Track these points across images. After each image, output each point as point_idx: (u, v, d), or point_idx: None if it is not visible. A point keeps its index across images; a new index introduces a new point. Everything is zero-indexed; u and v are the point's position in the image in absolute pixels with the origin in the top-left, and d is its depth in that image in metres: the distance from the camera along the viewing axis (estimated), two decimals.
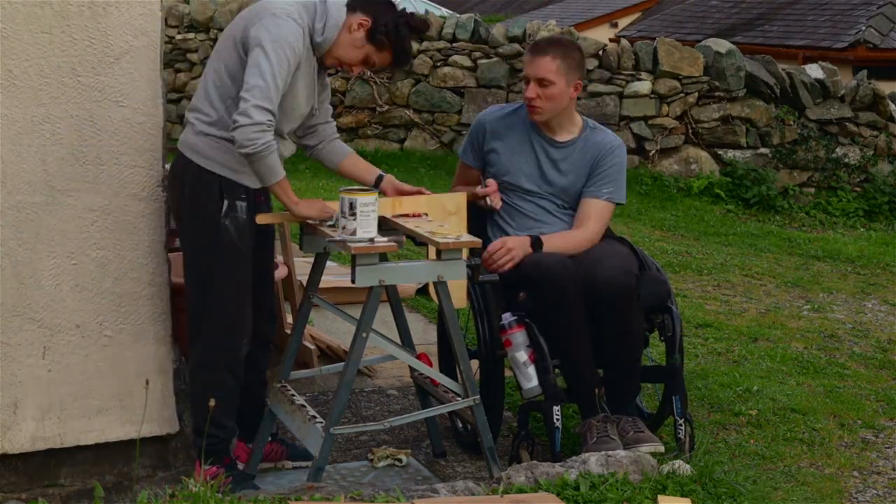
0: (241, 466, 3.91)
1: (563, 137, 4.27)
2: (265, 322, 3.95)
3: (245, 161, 3.56)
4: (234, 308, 3.71)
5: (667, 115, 10.79)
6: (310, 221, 3.72)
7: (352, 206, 3.52)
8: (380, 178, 3.95)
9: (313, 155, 3.97)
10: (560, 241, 4.14)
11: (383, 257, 3.67)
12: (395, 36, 3.67)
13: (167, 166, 3.86)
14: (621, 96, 10.78)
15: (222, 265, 3.66)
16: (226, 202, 3.62)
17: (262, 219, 3.73)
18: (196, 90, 3.74)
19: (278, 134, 3.63)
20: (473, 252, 3.93)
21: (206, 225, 3.63)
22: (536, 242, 4.08)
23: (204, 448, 3.67)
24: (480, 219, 4.47)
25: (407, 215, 3.87)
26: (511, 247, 4.04)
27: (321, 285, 4.03)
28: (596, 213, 4.22)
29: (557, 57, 4.15)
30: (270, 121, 3.47)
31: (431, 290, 3.89)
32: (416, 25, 3.72)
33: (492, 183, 4.24)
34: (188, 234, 3.72)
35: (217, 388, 3.69)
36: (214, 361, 3.74)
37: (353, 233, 3.53)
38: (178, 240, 3.84)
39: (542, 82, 4.15)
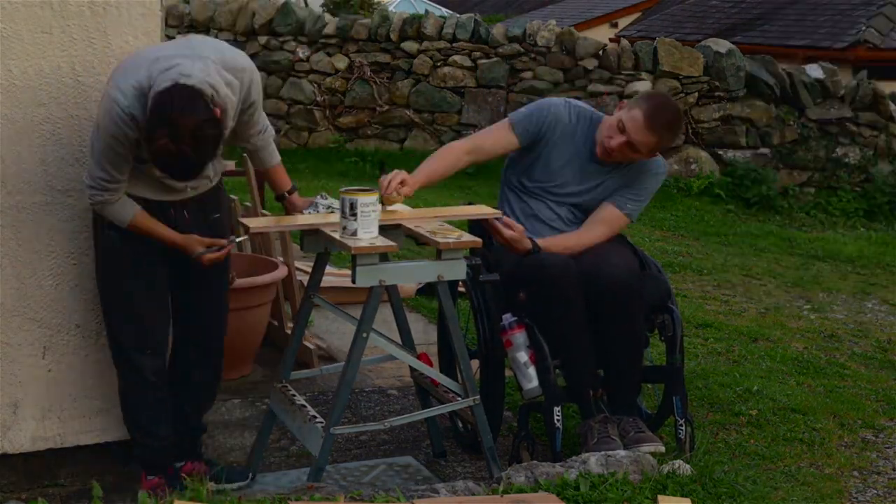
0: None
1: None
2: (199, 335, 3.82)
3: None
4: (130, 320, 3.62)
5: None
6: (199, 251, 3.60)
7: (352, 207, 3.52)
8: (283, 195, 3.88)
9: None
10: (560, 243, 4.12)
11: (383, 257, 3.67)
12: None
13: None
14: (621, 96, 10.79)
15: (111, 278, 3.62)
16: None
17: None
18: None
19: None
20: (474, 252, 3.93)
21: (98, 236, 3.60)
22: (534, 247, 4.05)
23: (139, 458, 3.73)
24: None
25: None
26: (520, 236, 4.03)
27: (321, 285, 4.02)
28: (611, 221, 4.20)
29: (662, 141, 4.10)
30: (100, 186, 3.39)
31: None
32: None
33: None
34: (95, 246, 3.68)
35: (134, 397, 3.72)
36: (124, 372, 3.71)
37: (354, 233, 3.53)
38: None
39: (633, 146, 4.08)
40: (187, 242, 3.57)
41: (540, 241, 4.08)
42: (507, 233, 4.01)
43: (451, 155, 4.23)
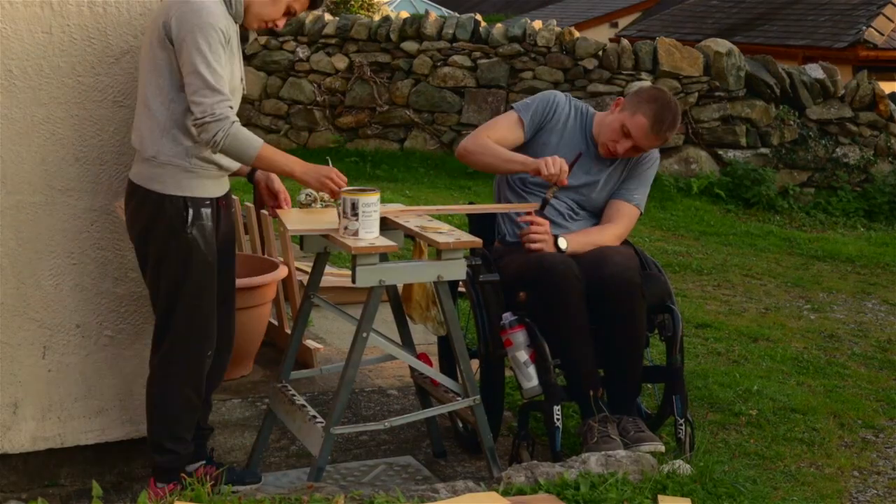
0: None
1: None
2: (224, 341, 3.76)
3: (209, 167, 3.49)
4: (200, 319, 3.58)
5: None
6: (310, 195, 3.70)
7: (354, 207, 3.52)
8: (253, 171, 3.79)
9: None
10: (583, 239, 4.14)
11: (383, 257, 3.67)
12: None
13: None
14: (621, 96, 10.77)
15: (190, 276, 3.51)
16: (191, 212, 3.47)
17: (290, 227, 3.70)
18: (137, 121, 3.49)
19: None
20: (474, 252, 3.92)
21: (172, 237, 3.48)
22: (558, 246, 4.07)
23: (158, 465, 3.60)
24: (488, 216, 4.45)
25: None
26: (546, 235, 4.04)
27: (321, 285, 4.03)
28: (624, 216, 4.26)
29: (666, 140, 4.23)
30: (226, 107, 3.33)
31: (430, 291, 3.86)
32: None
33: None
34: (152, 247, 3.52)
35: (179, 402, 3.60)
36: (177, 374, 3.58)
37: (356, 233, 3.53)
38: (139, 259, 3.64)
39: (637, 149, 4.19)
40: (314, 170, 3.58)
41: (567, 238, 4.10)
42: (535, 246, 4.02)
43: (492, 145, 4.20)
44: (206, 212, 3.52)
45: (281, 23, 3.57)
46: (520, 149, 4.24)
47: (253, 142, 3.41)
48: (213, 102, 3.31)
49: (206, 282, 3.56)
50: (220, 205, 3.63)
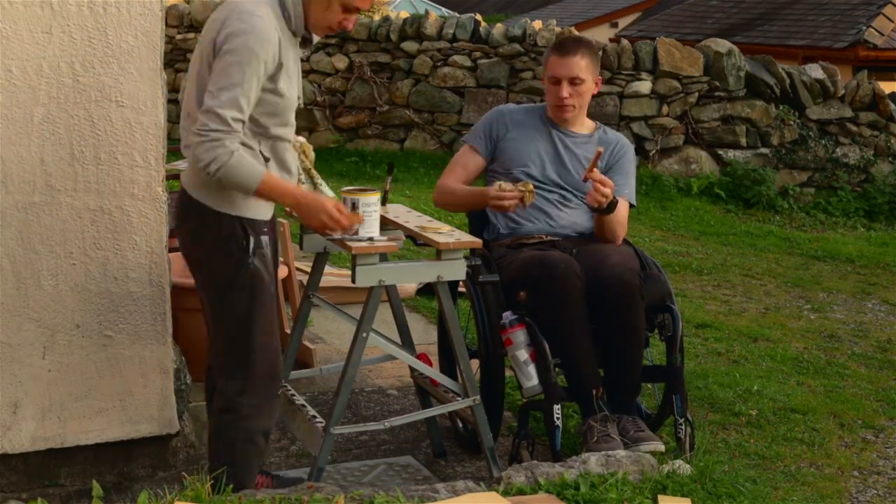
0: None
1: (579, 130, 4.38)
2: None
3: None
4: (272, 354, 3.41)
5: (667, 115, 10.79)
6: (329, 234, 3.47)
7: (354, 207, 3.52)
8: None
9: None
10: (622, 220, 4.23)
11: (383, 257, 3.67)
12: None
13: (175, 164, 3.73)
14: (621, 96, 10.79)
15: (256, 304, 3.33)
16: (251, 239, 3.31)
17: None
18: (188, 136, 3.29)
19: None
20: (473, 252, 3.92)
21: (233, 265, 3.31)
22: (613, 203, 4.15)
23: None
24: (485, 215, 4.47)
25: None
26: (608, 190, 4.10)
27: (321, 285, 4.02)
28: (622, 209, 4.27)
29: (585, 55, 4.29)
30: (231, 127, 3.15)
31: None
32: None
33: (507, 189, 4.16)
34: (212, 275, 3.38)
35: (258, 445, 3.45)
36: (257, 409, 3.40)
37: (356, 233, 3.53)
38: (196, 277, 3.49)
39: (574, 81, 4.26)
40: (320, 203, 3.34)
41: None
42: (605, 190, 4.09)
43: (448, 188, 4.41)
44: (265, 239, 3.36)
45: (348, 23, 3.36)
46: (487, 169, 4.40)
47: (250, 178, 3.19)
48: (216, 128, 3.13)
49: (272, 315, 3.38)
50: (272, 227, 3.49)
